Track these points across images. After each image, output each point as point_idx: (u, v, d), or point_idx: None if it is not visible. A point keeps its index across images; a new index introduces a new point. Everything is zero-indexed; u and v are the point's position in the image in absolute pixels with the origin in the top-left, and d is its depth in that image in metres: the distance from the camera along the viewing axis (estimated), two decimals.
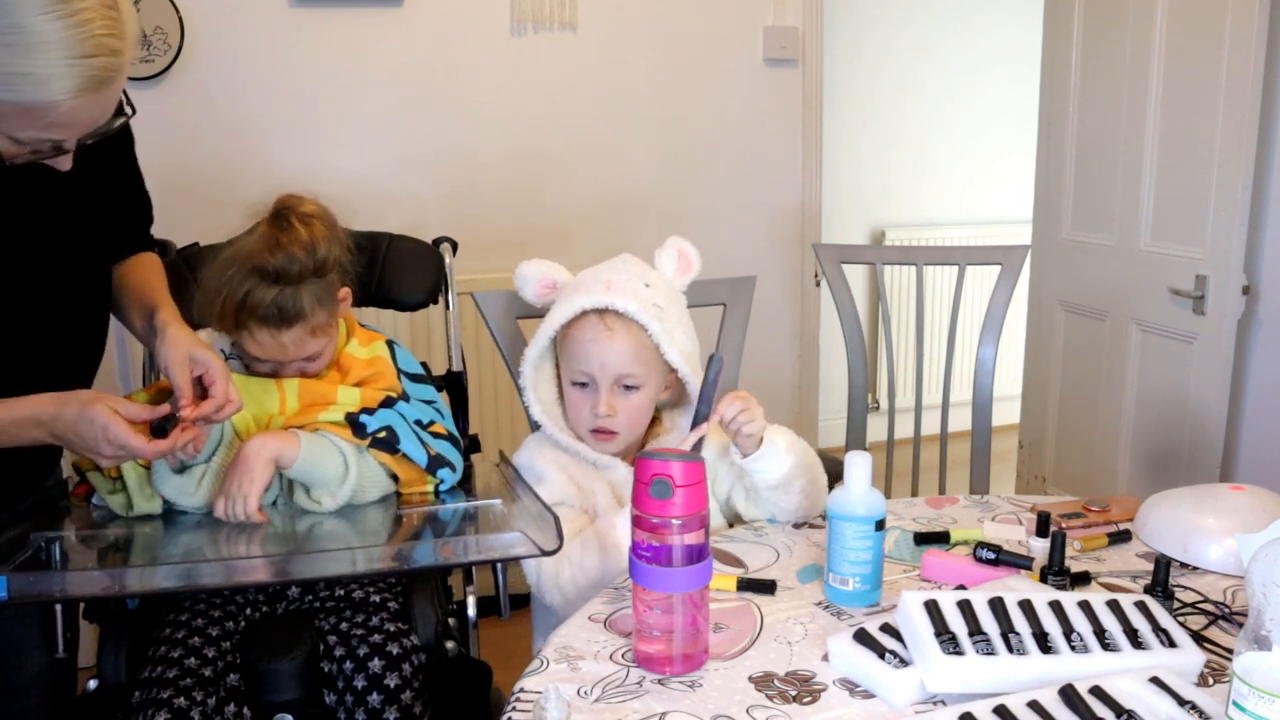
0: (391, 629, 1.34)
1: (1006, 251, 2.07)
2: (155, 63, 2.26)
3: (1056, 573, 1.16)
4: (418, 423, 1.41)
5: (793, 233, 2.95)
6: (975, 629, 0.97)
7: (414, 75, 2.49)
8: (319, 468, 1.31)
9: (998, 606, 1.00)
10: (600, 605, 1.15)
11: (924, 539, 1.32)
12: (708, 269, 1.50)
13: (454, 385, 1.76)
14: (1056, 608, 1.01)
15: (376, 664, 1.29)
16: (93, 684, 1.34)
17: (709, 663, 1.02)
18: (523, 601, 1.42)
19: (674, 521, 0.97)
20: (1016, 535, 1.32)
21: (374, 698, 1.27)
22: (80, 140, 1.03)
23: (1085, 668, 0.93)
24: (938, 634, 0.95)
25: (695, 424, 1.28)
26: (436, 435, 1.43)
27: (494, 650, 1.62)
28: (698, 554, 0.99)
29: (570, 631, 1.09)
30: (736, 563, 1.27)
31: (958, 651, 0.94)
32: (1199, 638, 1.03)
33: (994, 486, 2.11)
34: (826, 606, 1.14)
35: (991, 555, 1.21)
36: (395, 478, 1.38)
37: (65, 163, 1.05)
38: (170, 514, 1.32)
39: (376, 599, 1.40)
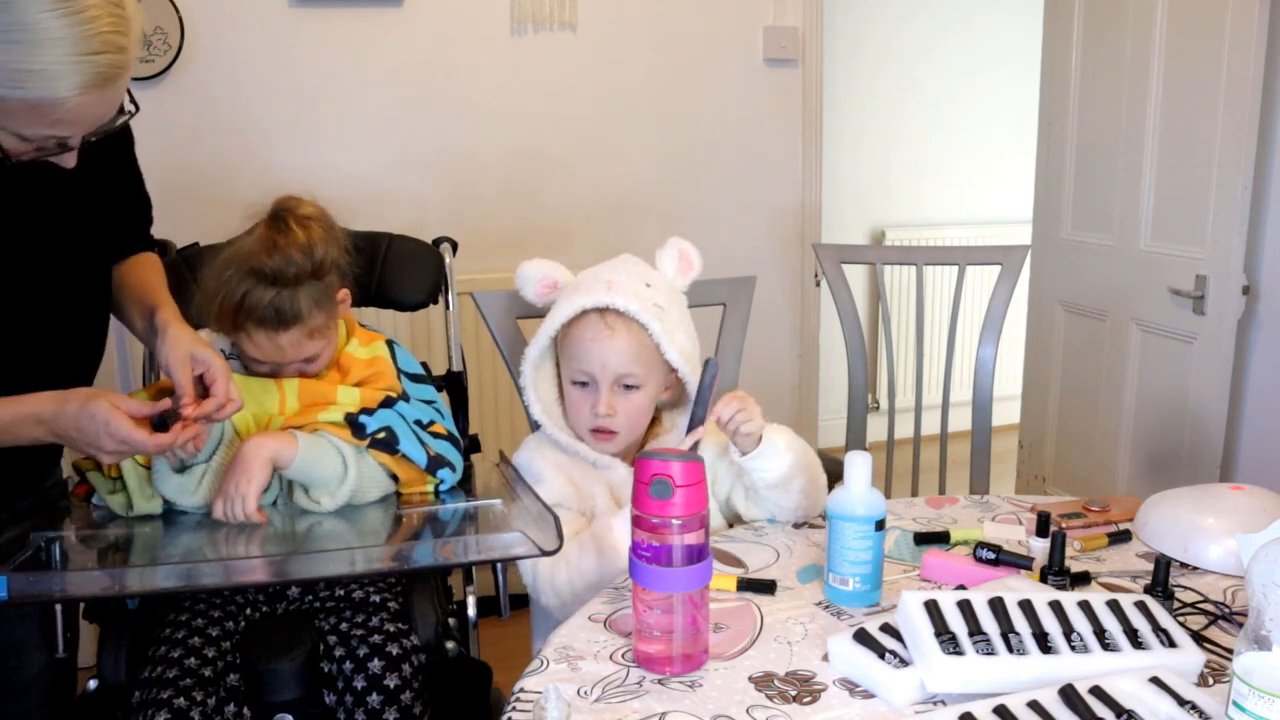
0: (391, 629, 1.34)
1: (1006, 251, 2.07)
2: (155, 63, 2.26)
3: (1056, 573, 1.16)
4: (417, 423, 1.41)
5: (793, 233, 2.95)
6: (975, 629, 0.97)
7: (414, 75, 2.49)
8: (317, 468, 1.31)
9: (998, 606, 1.00)
10: (600, 605, 1.15)
11: (924, 539, 1.32)
12: (708, 269, 1.50)
13: (454, 385, 1.76)
14: (1056, 608, 1.01)
15: (376, 664, 1.29)
16: (93, 684, 1.34)
17: (709, 663, 1.02)
18: (523, 601, 1.42)
19: (674, 521, 0.97)
20: (1016, 535, 1.32)
21: (374, 698, 1.27)
22: (85, 137, 1.04)
23: (1085, 668, 0.93)
24: (938, 634, 0.95)
25: (691, 428, 1.28)
26: (436, 435, 1.43)
27: (494, 650, 1.62)
28: (698, 554, 0.99)
29: (570, 631, 1.09)
30: (736, 563, 1.27)
31: (958, 651, 0.94)
32: (1199, 638, 1.03)
33: (994, 486, 2.11)
34: (826, 606, 1.14)
35: (991, 555, 1.21)
36: (395, 478, 1.38)
37: (70, 160, 1.06)
38: (170, 514, 1.32)
39: (376, 599, 1.40)
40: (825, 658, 1.02)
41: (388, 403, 1.39)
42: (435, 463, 1.38)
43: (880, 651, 0.97)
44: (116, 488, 1.32)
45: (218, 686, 1.27)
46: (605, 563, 1.25)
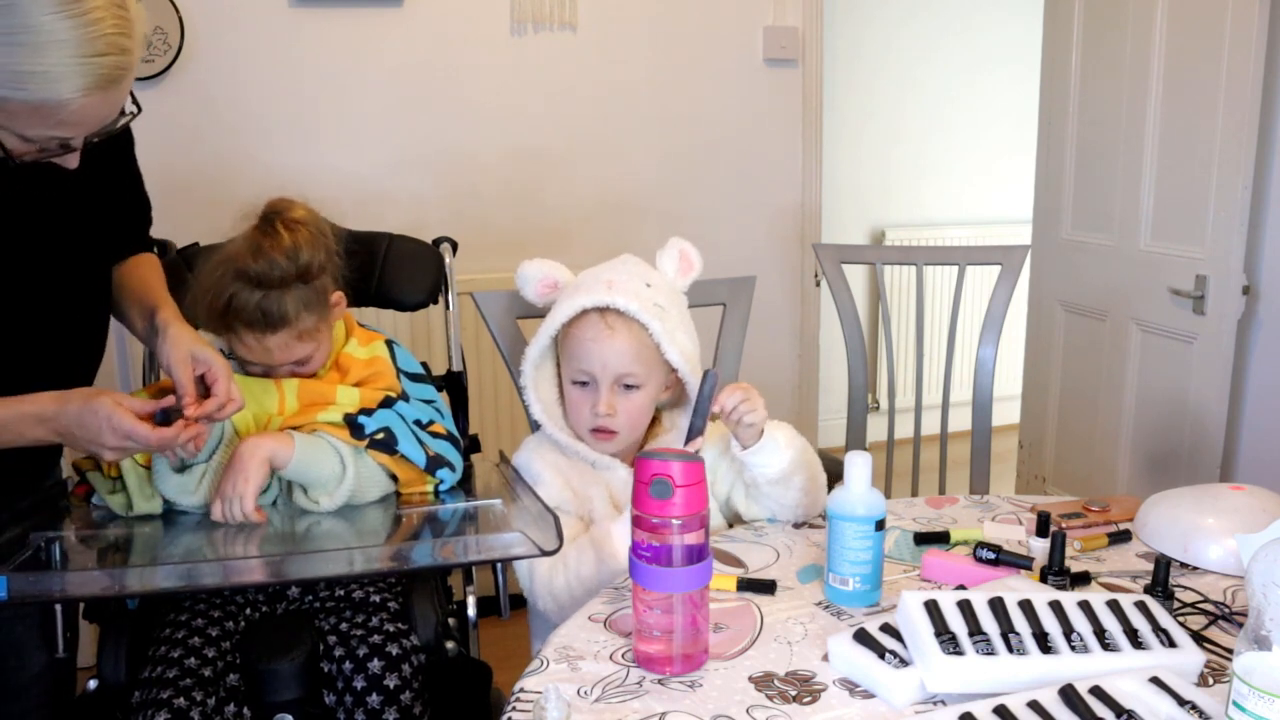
0: (391, 629, 1.34)
1: (1006, 251, 2.07)
2: (155, 63, 2.26)
3: (1056, 573, 1.16)
4: (417, 422, 1.41)
5: (793, 233, 2.95)
6: (975, 629, 0.97)
7: (414, 75, 2.49)
8: (314, 468, 1.31)
9: (998, 606, 1.00)
10: (600, 605, 1.15)
11: (924, 539, 1.32)
12: (708, 269, 1.50)
13: (454, 385, 1.76)
14: (1056, 608, 1.01)
15: (376, 664, 1.29)
16: (93, 684, 1.34)
17: (709, 663, 1.02)
18: (523, 601, 1.42)
19: (674, 521, 0.97)
20: (1016, 535, 1.32)
21: (373, 698, 1.27)
22: (87, 138, 1.04)
23: (1085, 668, 0.93)
24: (938, 634, 0.95)
25: (689, 438, 1.28)
26: (436, 435, 1.43)
27: (494, 650, 1.62)
28: (698, 554, 0.99)
29: (570, 631, 1.09)
30: (736, 563, 1.27)
31: (958, 651, 0.94)
32: (1199, 638, 1.03)
33: (994, 486, 2.11)
34: (826, 606, 1.14)
35: (991, 555, 1.21)
36: (395, 478, 1.38)
37: (72, 161, 1.06)
38: (170, 514, 1.32)
39: (376, 599, 1.40)
40: (825, 658, 1.02)
41: (387, 403, 1.39)
42: (434, 463, 1.38)
43: (880, 651, 0.97)
44: (116, 488, 1.32)
45: (218, 686, 1.26)
46: (603, 568, 1.25)
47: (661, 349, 1.36)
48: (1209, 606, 1.13)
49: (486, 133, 2.58)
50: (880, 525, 1.13)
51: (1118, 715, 0.85)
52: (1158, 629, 0.99)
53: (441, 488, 1.40)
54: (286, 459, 1.29)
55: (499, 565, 1.48)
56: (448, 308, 1.80)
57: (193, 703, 1.22)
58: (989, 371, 2.05)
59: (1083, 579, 1.20)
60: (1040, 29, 2.84)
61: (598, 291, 1.36)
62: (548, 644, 1.06)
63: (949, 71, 3.96)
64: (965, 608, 1.00)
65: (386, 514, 1.35)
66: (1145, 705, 0.86)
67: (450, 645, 1.42)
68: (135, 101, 1.09)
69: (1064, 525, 1.34)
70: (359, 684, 1.28)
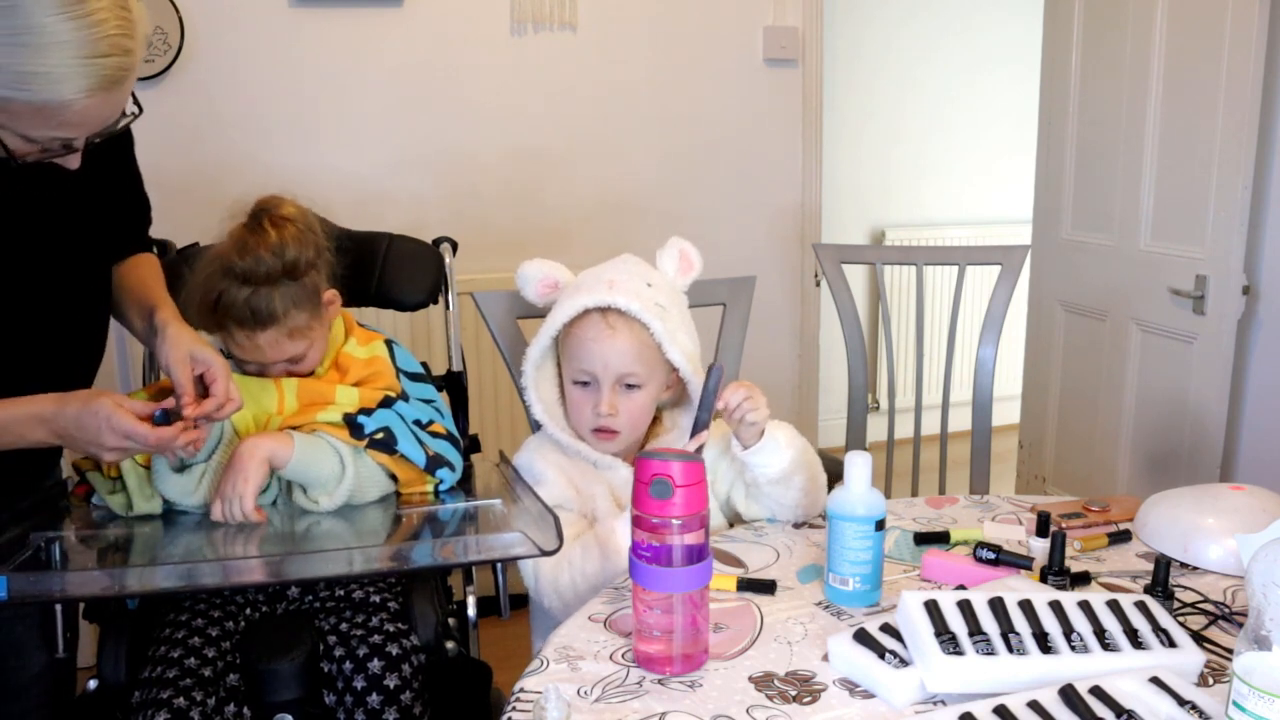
0: (391, 629, 1.34)
1: (1006, 251, 2.07)
2: (155, 63, 2.26)
3: (1056, 573, 1.16)
4: (416, 422, 1.41)
5: (793, 233, 2.95)
6: (975, 629, 0.97)
7: (414, 75, 2.49)
8: (314, 468, 1.31)
9: (998, 606, 1.00)
10: (600, 605, 1.15)
11: (924, 539, 1.32)
12: (707, 269, 1.50)
13: (454, 385, 1.76)
14: (1056, 608, 1.01)
15: (376, 664, 1.29)
16: (93, 684, 1.34)
17: (709, 663, 1.02)
18: (523, 601, 1.42)
19: (674, 521, 0.97)
20: (1016, 535, 1.32)
21: (374, 698, 1.27)
22: (89, 139, 1.04)
23: (1085, 668, 0.93)
24: (938, 634, 0.95)
25: (695, 432, 1.28)
26: (435, 435, 1.43)
27: (494, 650, 1.62)
28: (698, 554, 0.99)
29: (570, 631, 1.09)
30: (736, 563, 1.27)
31: (958, 651, 0.94)
32: (1199, 638, 1.03)
33: (994, 486, 2.11)
34: (826, 606, 1.14)
35: (991, 555, 1.21)
36: (394, 478, 1.38)
37: (74, 161, 1.06)
38: (170, 514, 1.32)
39: (376, 599, 1.40)
40: (825, 658, 1.02)
41: (386, 403, 1.39)
42: (434, 462, 1.38)
43: (880, 651, 0.97)
44: (116, 488, 1.32)
45: (218, 686, 1.26)
46: (608, 565, 1.25)
47: (663, 349, 1.36)
48: (1209, 606, 1.13)
49: (486, 133, 2.58)
50: (880, 525, 1.13)
51: (1118, 715, 0.85)
52: (1158, 629, 0.99)
53: (441, 488, 1.40)
54: (286, 459, 1.29)
55: (499, 565, 1.48)
56: (448, 308, 1.80)
57: (193, 703, 1.22)
58: (989, 371, 2.05)
59: (1083, 579, 1.20)
60: (1040, 29, 2.84)
61: (599, 291, 1.36)
62: (548, 644, 1.06)
63: (949, 71, 3.96)
64: (965, 608, 1.00)
65: (386, 514, 1.35)
66: (1145, 705, 0.86)
67: (450, 645, 1.42)
68: (136, 102, 1.09)
69: (1064, 525, 1.34)
70: (359, 684, 1.28)
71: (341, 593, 1.41)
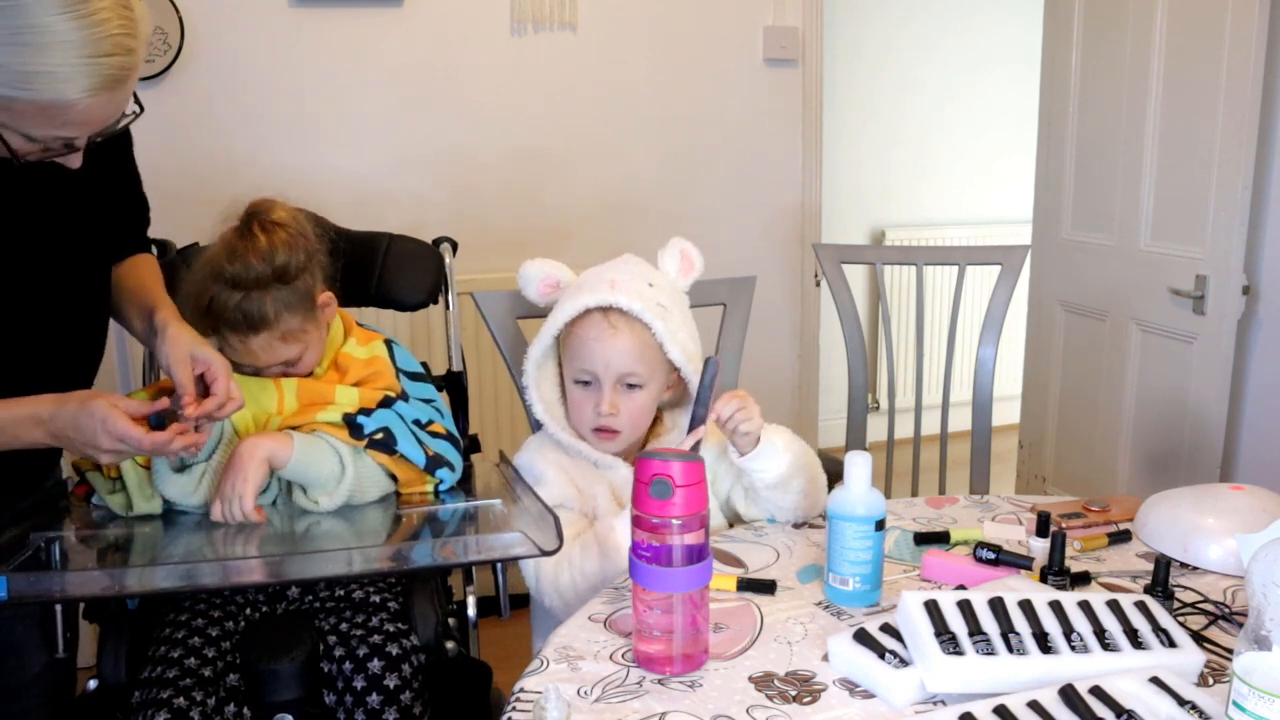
0: (391, 629, 1.34)
1: (1006, 251, 2.07)
2: (155, 63, 2.26)
3: (1056, 573, 1.16)
4: (416, 422, 1.41)
5: (793, 233, 2.95)
6: (975, 629, 0.97)
7: (414, 75, 2.49)
8: (313, 468, 1.31)
9: (998, 606, 1.00)
10: (600, 605, 1.15)
11: (924, 539, 1.32)
12: (708, 269, 1.50)
13: (454, 385, 1.76)
14: (1056, 608, 1.01)
15: (376, 664, 1.29)
16: (93, 684, 1.34)
17: (709, 663, 1.02)
18: (523, 601, 1.42)
19: (674, 521, 0.97)
20: (1016, 535, 1.32)
21: (373, 698, 1.27)
22: (90, 138, 1.04)
23: (1085, 668, 0.93)
24: (938, 634, 0.95)
25: (692, 427, 1.28)
26: (435, 434, 1.43)
27: (494, 650, 1.62)
28: (698, 554, 0.99)
29: (570, 631, 1.09)
30: (736, 563, 1.27)
31: (958, 651, 0.94)
32: (1199, 638, 1.03)
33: (994, 486, 2.11)
34: (826, 606, 1.14)
35: (991, 555, 1.21)
36: (394, 478, 1.38)
37: (75, 160, 1.06)
38: (170, 514, 1.32)
39: (376, 599, 1.40)
40: (825, 658, 1.02)
41: (386, 403, 1.39)
42: (434, 462, 1.38)
43: (880, 651, 0.97)
44: (116, 488, 1.32)
45: (218, 686, 1.27)
46: (609, 564, 1.25)
47: (664, 348, 1.36)
48: (1209, 606, 1.13)
49: (486, 133, 2.58)
50: (880, 525, 1.13)
51: (1118, 715, 0.85)
52: (1158, 629, 0.99)
53: (441, 488, 1.40)
54: (285, 459, 1.29)
55: (499, 565, 1.48)
56: (448, 308, 1.80)
57: (193, 703, 1.22)
58: (989, 371, 2.05)
59: (1083, 579, 1.20)
60: (1040, 29, 2.84)
61: (600, 291, 1.36)
62: (548, 644, 1.06)
63: (949, 71, 3.96)
64: (965, 608, 1.00)
65: (386, 514, 1.35)
66: (1145, 705, 0.86)
67: (450, 645, 1.42)
68: (138, 101, 1.09)
69: (1064, 525, 1.34)
70: (359, 684, 1.28)
71: (341, 593, 1.41)
